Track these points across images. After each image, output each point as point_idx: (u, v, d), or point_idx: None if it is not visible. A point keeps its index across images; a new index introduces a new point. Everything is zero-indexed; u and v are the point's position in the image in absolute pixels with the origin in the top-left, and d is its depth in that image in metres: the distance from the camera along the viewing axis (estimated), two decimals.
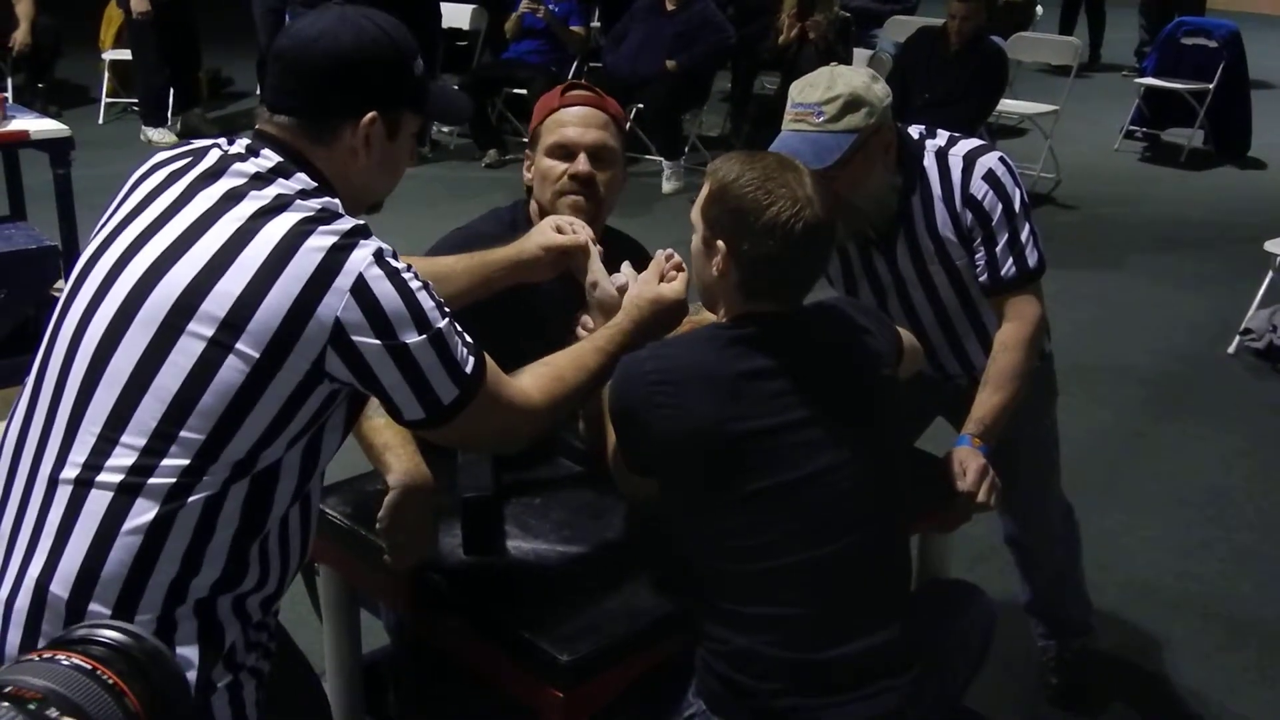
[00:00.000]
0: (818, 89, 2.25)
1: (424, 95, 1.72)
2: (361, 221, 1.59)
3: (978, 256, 2.41)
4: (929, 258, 2.46)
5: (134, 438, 1.49)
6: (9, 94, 6.88)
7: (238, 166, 1.60)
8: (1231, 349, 5.16)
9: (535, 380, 1.76)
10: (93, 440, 1.50)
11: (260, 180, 1.58)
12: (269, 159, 1.61)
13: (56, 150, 4.61)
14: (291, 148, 1.63)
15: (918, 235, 2.44)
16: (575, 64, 8.00)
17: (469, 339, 1.64)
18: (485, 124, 7.84)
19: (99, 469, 1.49)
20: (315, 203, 1.57)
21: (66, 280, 1.64)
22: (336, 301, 1.50)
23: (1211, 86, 8.12)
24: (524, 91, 7.57)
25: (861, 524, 1.84)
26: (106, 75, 8.44)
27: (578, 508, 2.15)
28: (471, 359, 1.63)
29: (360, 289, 1.51)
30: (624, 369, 1.85)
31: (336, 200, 1.60)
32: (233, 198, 1.56)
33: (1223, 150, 8.46)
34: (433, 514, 1.96)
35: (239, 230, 1.53)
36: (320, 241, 1.52)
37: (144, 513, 1.48)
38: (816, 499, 1.81)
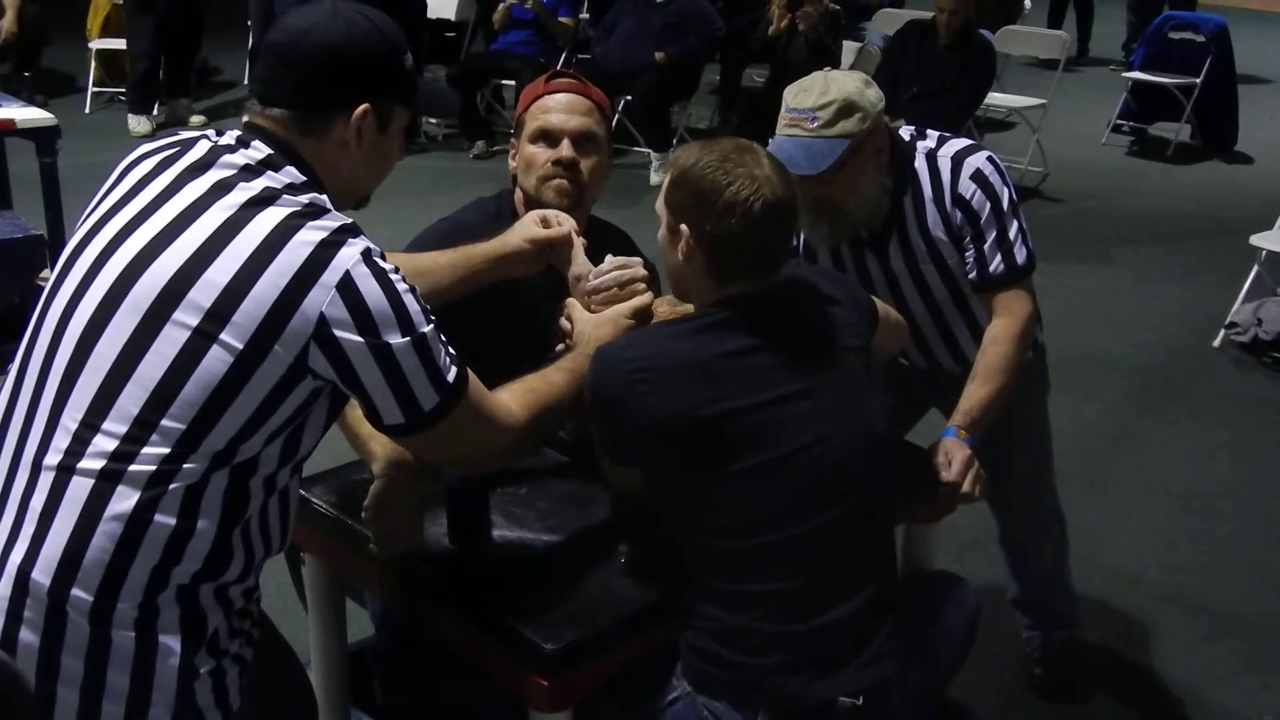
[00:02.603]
0: (812, 94, 2.27)
1: (414, 89, 1.73)
2: (350, 220, 1.59)
3: (967, 254, 2.42)
4: (921, 257, 2.48)
5: (116, 425, 1.49)
6: None
7: (227, 158, 1.60)
8: (1217, 342, 5.18)
9: (514, 395, 1.76)
10: (75, 427, 1.50)
11: (249, 172, 1.58)
12: (259, 151, 1.61)
13: (43, 139, 4.59)
14: (281, 140, 1.63)
15: (909, 235, 2.46)
16: (564, 55, 7.99)
17: (453, 350, 1.64)
18: (473, 115, 7.83)
19: (81, 455, 1.49)
20: (304, 197, 1.57)
21: (53, 269, 1.64)
22: (322, 296, 1.50)
23: (1199, 81, 8.13)
24: (512, 82, 7.56)
25: (846, 495, 1.86)
26: (93, 64, 8.41)
27: (563, 497, 2.15)
28: (454, 369, 1.62)
29: (346, 286, 1.51)
30: (601, 357, 1.85)
31: (324, 196, 1.61)
32: (222, 189, 1.56)
33: (1209, 144, 8.48)
34: (418, 502, 1.96)
35: (227, 221, 1.53)
36: (309, 236, 1.52)
37: (125, 499, 1.48)
38: (800, 474, 1.82)
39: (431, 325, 1.59)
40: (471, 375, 1.67)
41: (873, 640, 1.87)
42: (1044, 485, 2.85)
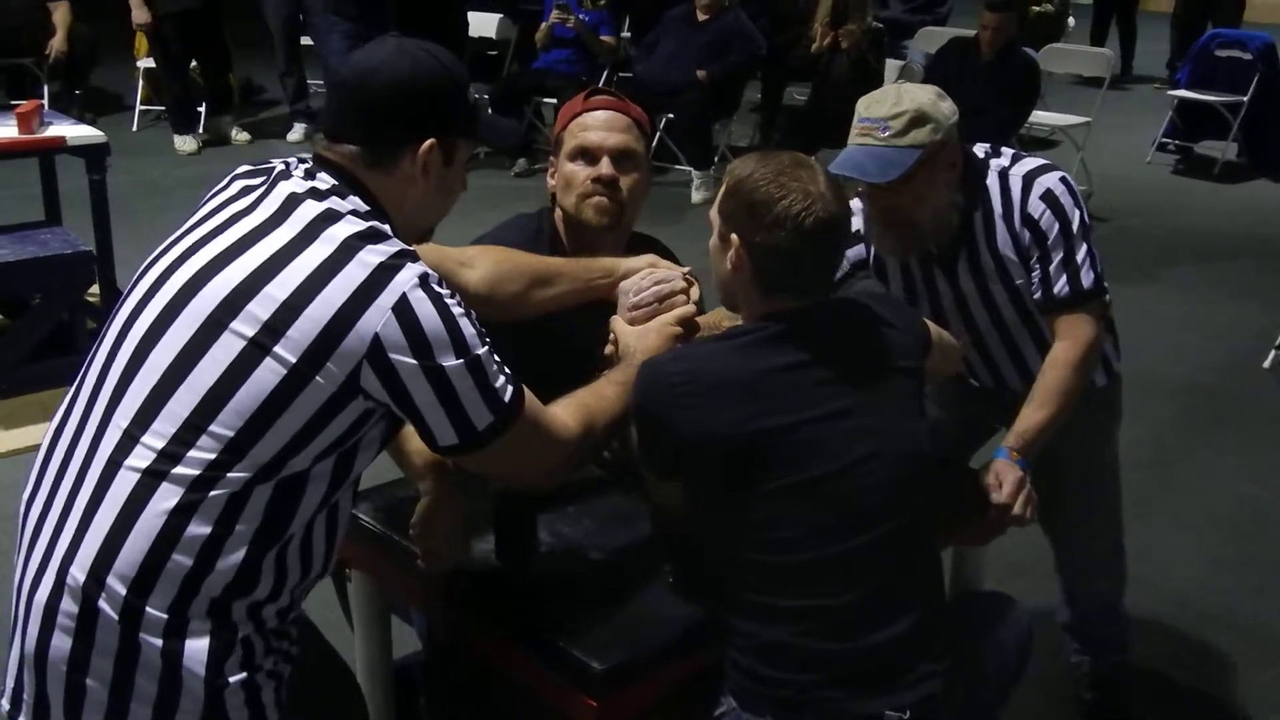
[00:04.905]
0: (885, 104, 2.27)
1: (477, 122, 1.77)
2: (411, 248, 1.62)
3: (1034, 274, 2.40)
4: (990, 276, 2.46)
5: (165, 426, 1.52)
6: (45, 101, 6.93)
7: (298, 182, 1.64)
8: (1267, 364, 5.12)
9: (567, 410, 1.78)
10: (125, 425, 1.54)
11: (316, 196, 1.62)
12: (325, 181, 1.65)
13: (92, 156, 4.64)
14: (349, 173, 1.67)
15: (979, 253, 2.44)
16: (605, 73, 8.01)
17: (508, 370, 1.65)
18: None
19: (128, 453, 1.53)
20: (366, 221, 1.60)
21: (120, 284, 1.69)
22: (377, 318, 1.52)
23: (1245, 99, 8.07)
24: (554, 101, 7.58)
25: (889, 516, 1.85)
26: (140, 83, 8.51)
27: (610, 515, 2.15)
28: (510, 388, 1.64)
29: (402, 308, 1.54)
30: (647, 372, 1.86)
31: (387, 226, 1.64)
32: (289, 208, 1.61)
33: (1257, 163, 8.40)
34: (466, 520, 1.96)
35: (292, 240, 1.57)
36: (368, 258, 1.55)
37: (167, 499, 1.50)
38: (842, 493, 1.81)
39: (486, 347, 1.62)
40: (528, 392, 1.68)
41: (919, 661, 1.85)
42: (1104, 517, 2.78)
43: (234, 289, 1.55)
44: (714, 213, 1.94)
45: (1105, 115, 7.95)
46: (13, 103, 4.86)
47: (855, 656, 1.81)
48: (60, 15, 7.77)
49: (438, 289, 1.58)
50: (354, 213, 1.61)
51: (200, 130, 8.05)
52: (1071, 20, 10.38)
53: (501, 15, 8.50)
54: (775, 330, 1.86)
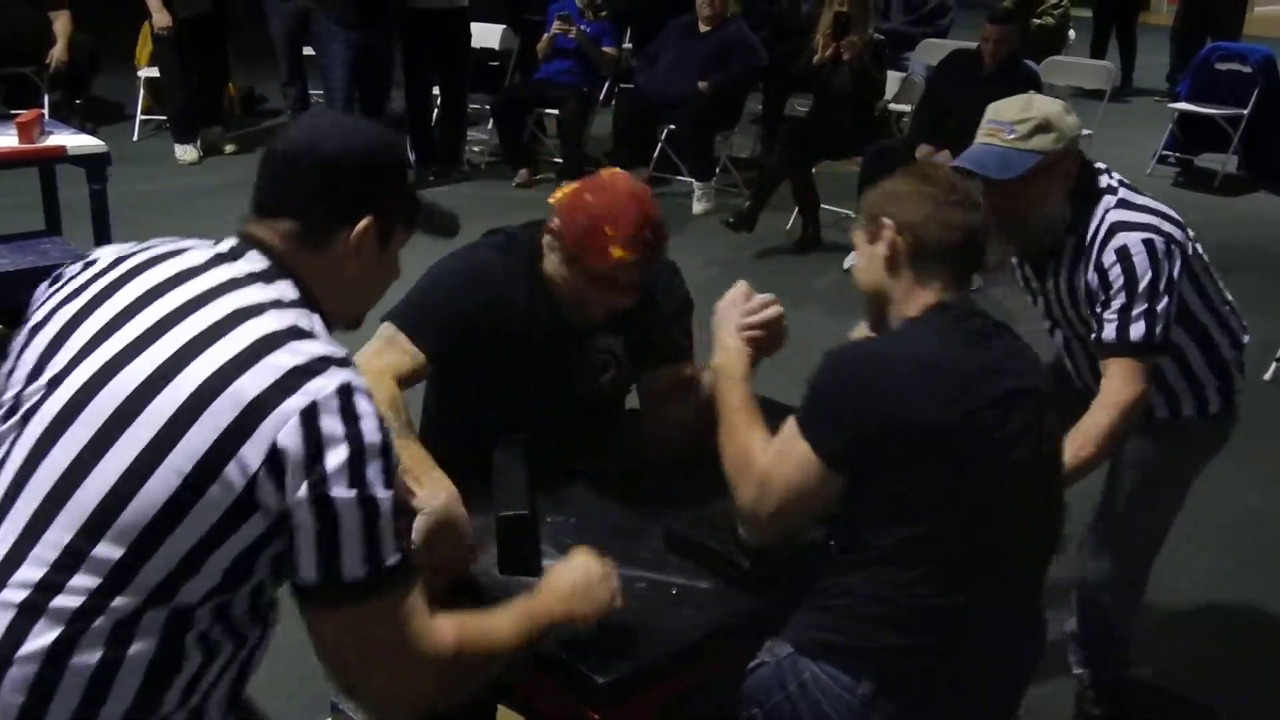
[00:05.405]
0: (1013, 109, 2.42)
1: (416, 207, 1.64)
2: (339, 352, 1.46)
3: (1096, 312, 2.47)
4: (1066, 297, 2.56)
5: (45, 551, 1.37)
6: (46, 110, 6.93)
7: (217, 269, 1.51)
8: (1268, 375, 5.12)
9: (451, 624, 1.52)
10: (1, 555, 1.38)
11: (235, 285, 1.48)
12: (251, 263, 1.51)
13: (93, 166, 4.65)
14: (279, 253, 1.53)
15: (1061, 273, 2.54)
16: (606, 84, 8.01)
17: (404, 545, 1.46)
18: (517, 144, 7.86)
19: (2, 585, 1.37)
20: (289, 315, 1.46)
21: (12, 357, 1.52)
22: (278, 424, 1.37)
23: (1246, 112, 8.07)
24: (555, 111, 7.59)
25: (1032, 507, 1.91)
26: (141, 92, 8.51)
27: (613, 527, 2.14)
28: (397, 556, 1.43)
29: (309, 418, 1.37)
30: (849, 349, 1.92)
31: (316, 316, 1.51)
32: (202, 301, 1.46)
33: (1257, 176, 8.40)
34: (469, 534, 1.95)
35: (201, 334, 1.42)
36: (282, 359, 1.41)
37: (42, 635, 1.35)
38: (1011, 477, 1.86)
39: (388, 494, 1.41)
40: (417, 585, 1.47)
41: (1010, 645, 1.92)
42: (1137, 550, 2.80)
43: (134, 390, 1.39)
44: (859, 233, 2.01)
45: (1106, 128, 7.94)
46: (13, 112, 4.86)
47: (947, 619, 1.84)
48: (61, 24, 7.77)
49: (357, 405, 1.40)
50: (277, 303, 1.47)
51: (198, 141, 8.05)
52: (1072, 33, 10.38)
53: (504, 26, 8.51)
54: (948, 318, 1.91)
